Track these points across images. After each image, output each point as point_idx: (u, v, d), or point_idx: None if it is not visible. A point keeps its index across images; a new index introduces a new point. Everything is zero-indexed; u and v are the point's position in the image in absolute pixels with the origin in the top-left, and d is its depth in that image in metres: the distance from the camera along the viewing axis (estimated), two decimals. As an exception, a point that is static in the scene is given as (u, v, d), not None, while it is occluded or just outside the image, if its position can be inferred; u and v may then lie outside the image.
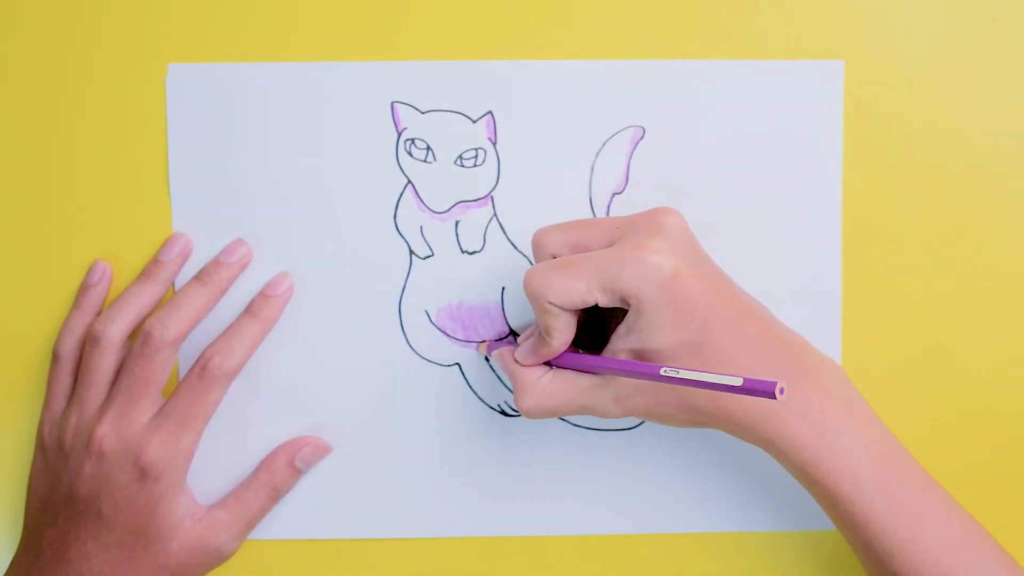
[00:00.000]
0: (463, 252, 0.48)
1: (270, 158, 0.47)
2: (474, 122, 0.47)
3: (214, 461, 0.48)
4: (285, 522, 0.48)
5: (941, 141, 0.48)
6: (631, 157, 0.47)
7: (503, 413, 0.48)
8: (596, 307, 0.42)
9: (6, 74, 0.47)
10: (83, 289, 0.47)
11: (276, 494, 0.47)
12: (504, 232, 0.47)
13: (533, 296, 0.41)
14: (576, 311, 0.41)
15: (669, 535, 0.48)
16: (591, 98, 0.47)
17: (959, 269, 0.48)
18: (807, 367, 0.41)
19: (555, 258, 0.42)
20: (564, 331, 0.41)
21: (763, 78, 0.47)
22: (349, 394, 0.48)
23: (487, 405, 0.48)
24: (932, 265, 0.48)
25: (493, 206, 0.47)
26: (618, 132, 0.47)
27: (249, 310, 0.47)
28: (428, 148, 0.47)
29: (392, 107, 0.47)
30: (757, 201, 0.47)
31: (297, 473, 0.47)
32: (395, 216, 0.47)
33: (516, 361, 0.43)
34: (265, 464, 0.47)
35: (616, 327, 0.41)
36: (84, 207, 0.47)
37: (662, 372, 0.37)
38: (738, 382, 0.34)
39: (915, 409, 0.48)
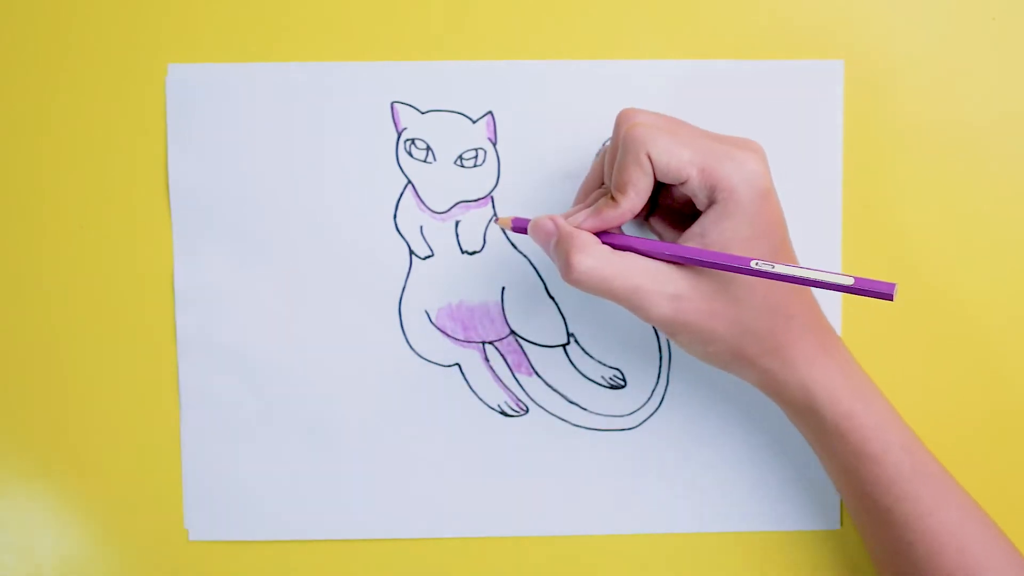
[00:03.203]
0: (463, 252, 0.48)
1: (270, 158, 0.47)
2: (474, 122, 0.47)
3: (214, 461, 0.48)
4: (284, 523, 0.48)
5: (941, 141, 0.48)
6: (631, 157, 0.47)
7: (503, 413, 0.48)
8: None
9: (6, 74, 0.47)
10: None
11: None
12: (504, 232, 0.47)
13: (634, 143, 0.39)
14: (652, 186, 0.39)
15: (669, 535, 0.48)
16: (591, 98, 0.47)
17: (960, 269, 0.48)
18: (839, 343, 0.42)
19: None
20: (641, 193, 0.39)
21: (763, 78, 0.47)
22: (349, 394, 0.48)
23: (487, 405, 0.48)
24: (932, 265, 0.48)
25: (493, 206, 0.47)
26: (618, 132, 0.47)
27: None
28: (428, 148, 0.47)
29: (392, 107, 0.47)
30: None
31: None
32: (395, 216, 0.47)
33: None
34: None
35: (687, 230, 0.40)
36: (83, 207, 0.47)
37: (753, 265, 0.36)
38: (849, 281, 0.33)
39: (914, 408, 0.48)
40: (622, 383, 0.48)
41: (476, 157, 0.47)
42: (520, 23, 0.47)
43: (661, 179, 0.39)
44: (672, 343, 0.48)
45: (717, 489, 0.48)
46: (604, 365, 0.48)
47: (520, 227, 0.43)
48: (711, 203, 0.39)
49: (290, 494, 0.48)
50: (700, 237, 0.39)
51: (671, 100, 0.47)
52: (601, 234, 0.41)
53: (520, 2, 0.47)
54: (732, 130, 0.47)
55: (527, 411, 0.48)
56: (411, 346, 0.48)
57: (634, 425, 0.48)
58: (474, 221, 0.47)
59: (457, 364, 0.48)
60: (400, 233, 0.47)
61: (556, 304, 0.48)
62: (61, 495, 0.48)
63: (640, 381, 0.48)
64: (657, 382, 0.48)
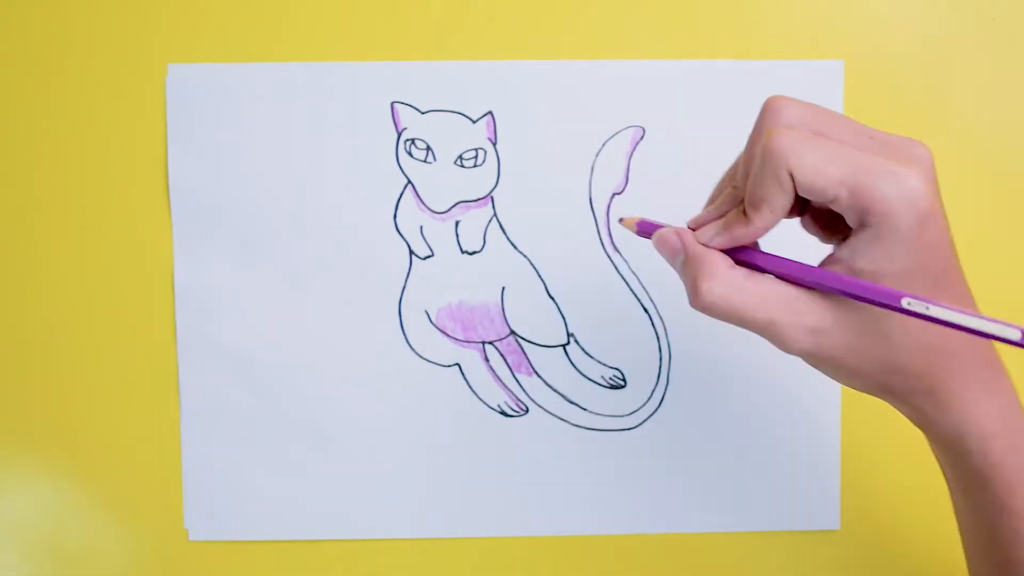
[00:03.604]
0: (463, 252, 0.48)
1: (270, 158, 0.47)
2: (474, 122, 0.47)
3: (214, 461, 0.48)
4: (284, 523, 0.48)
5: (941, 141, 0.48)
6: (631, 157, 0.47)
7: (503, 413, 0.48)
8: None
9: (6, 74, 0.47)
10: None
11: None
12: (504, 232, 0.47)
13: (775, 156, 0.34)
14: (792, 205, 0.35)
15: (669, 535, 0.48)
16: (591, 98, 0.47)
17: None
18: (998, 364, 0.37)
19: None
20: (777, 213, 0.34)
21: (763, 78, 0.47)
22: (349, 394, 0.48)
23: (487, 405, 0.48)
24: (932, 265, 0.48)
25: (493, 206, 0.47)
26: (618, 132, 0.47)
27: None
28: (428, 148, 0.47)
29: (392, 107, 0.47)
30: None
31: None
32: (395, 216, 0.47)
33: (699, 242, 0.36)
34: None
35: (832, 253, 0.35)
36: (83, 207, 0.47)
37: (904, 304, 0.32)
38: (1016, 335, 0.29)
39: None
40: (622, 383, 0.48)
41: (476, 157, 0.47)
42: (520, 23, 0.47)
43: (803, 195, 0.34)
44: (676, 344, 0.48)
45: (717, 489, 0.48)
46: (604, 365, 0.48)
47: (645, 232, 0.39)
48: (863, 225, 0.34)
49: (290, 494, 0.48)
50: (849, 260, 0.34)
51: (671, 100, 0.47)
52: (735, 249, 0.36)
53: (520, 2, 0.47)
54: (732, 130, 0.47)
55: (527, 411, 0.48)
56: (411, 346, 0.48)
57: (634, 425, 0.48)
58: (474, 221, 0.47)
59: (457, 364, 0.48)
60: (400, 233, 0.47)
61: (556, 304, 0.48)
62: (61, 495, 0.48)
63: (640, 381, 0.48)
64: (657, 382, 0.48)
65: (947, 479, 0.39)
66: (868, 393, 0.37)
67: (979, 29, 0.47)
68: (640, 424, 0.48)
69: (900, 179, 0.33)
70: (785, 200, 0.34)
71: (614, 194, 0.47)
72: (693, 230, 0.37)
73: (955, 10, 0.47)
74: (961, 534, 0.40)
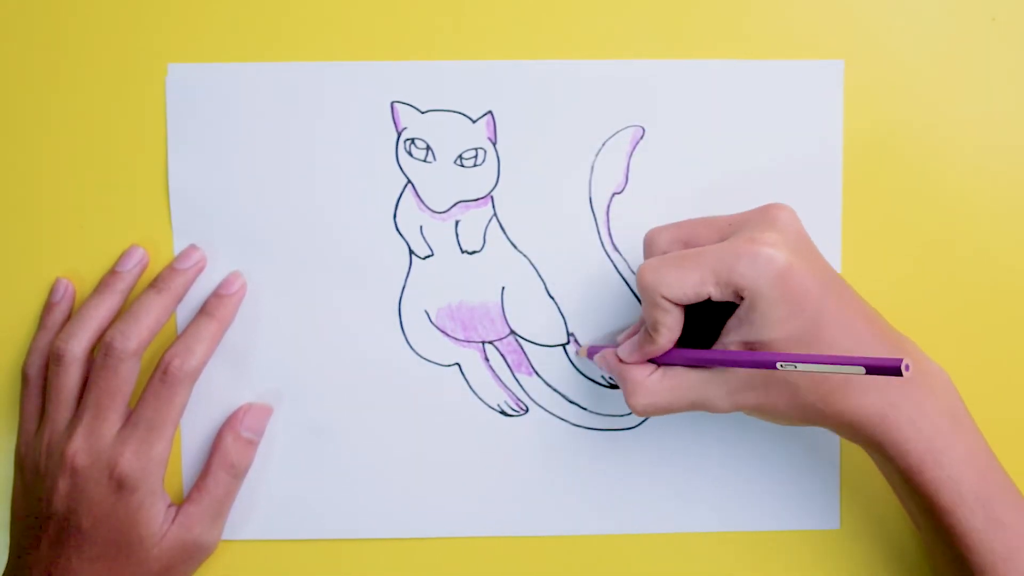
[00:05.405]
0: (463, 252, 0.48)
1: (270, 158, 0.47)
2: (474, 122, 0.47)
3: (214, 461, 0.48)
4: (284, 523, 0.48)
5: (941, 141, 0.48)
6: (631, 157, 0.47)
7: (503, 413, 0.48)
8: (701, 306, 0.42)
9: (6, 74, 0.47)
10: (47, 308, 0.47)
11: (236, 471, 0.46)
12: (504, 232, 0.47)
13: (646, 289, 0.40)
14: (683, 308, 0.41)
15: (668, 535, 0.48)
16: (591, 98, 0.47)
17: (959, 269, 0.48)
18: (917, 372, 0.41)
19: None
20: (672, 328, 0.41)
21: (763, 78, 0.47)
22: (349, 394, 0.48)
23: (487, 405, 0.48)
24: (931, 265, 0.48)
25: (493, 206, 0.47)
26: (618, 132, 0.47)
27: (204, 310, 0.46)
28: (428, 148, 0.47)
29: (392, 107, 0.47)
30: (757, 201, 0.47)
31: (249, 444, 0.47)
32: (395, 216, 0.47)
33: (620, 360, 0.43)
34: (215, 446, 0.46)
35: (726, 323, 0.41)
36: (83, 207, 0.47)
37: (778, 366, 0.36)
38: (860, 371, 0.33)
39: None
40: (622, 383, 0.48)
41: (476, 157, 0.47)
42: (520, 23, 0.47)
43: (685, 304, 0.40)
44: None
45: (716, 489, 0.48)
46: (604, 365, 0.48)
47: (590, 355, 0.46)
48: (741, 299, 0.39)
49: (289, 494, 0.48)
50: (738, 328, 0.40)
51: (671, 100, 0.47)
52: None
53: (520, 2, 0.47)
54: (732, 130, 0.47)
55: (527, 411, 0.48)
56: (411, 346, 0.48)
57: (634, 425, 0.48)
58: (474, 221, 0.47)
59: (457, 364, 0.48)
60: (400, 233, 0.47)
61: (556, 304, 0.48)
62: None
63: (640, 381, 0.48)
64: (657, 382, 0.48)
65: (887, 480, 0.43)
66: (799, 426, 0.42)
67: (979, 29, 0.47)
68: (640, 424, 0.48)
69: (750, 254, 0.38)
70: (672, 318, 0.40)
71: (614, 194, 0.47)
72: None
73: (955, 10, 0.47)
74: (919, 532, 0.44)
